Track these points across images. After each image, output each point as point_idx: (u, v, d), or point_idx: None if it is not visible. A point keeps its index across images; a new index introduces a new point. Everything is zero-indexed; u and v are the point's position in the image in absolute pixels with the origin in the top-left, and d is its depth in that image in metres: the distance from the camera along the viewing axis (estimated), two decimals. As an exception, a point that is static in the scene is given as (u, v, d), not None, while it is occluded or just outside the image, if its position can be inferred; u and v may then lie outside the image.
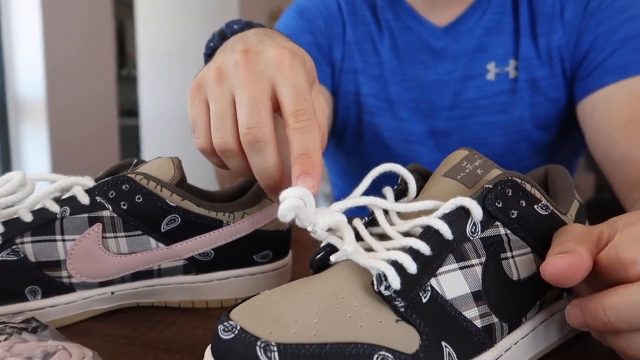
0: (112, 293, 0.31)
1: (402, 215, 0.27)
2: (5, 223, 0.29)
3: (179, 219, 0.31)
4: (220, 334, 0.20)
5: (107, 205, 0.30)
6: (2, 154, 1.56)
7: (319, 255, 0.26)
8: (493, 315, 0.24)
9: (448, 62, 0.65)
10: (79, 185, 0.30)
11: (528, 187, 0.26)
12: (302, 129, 0.27)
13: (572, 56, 0.60)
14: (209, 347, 0.21)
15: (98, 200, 0.30)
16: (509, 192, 0.26)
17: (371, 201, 0.26)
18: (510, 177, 0.26)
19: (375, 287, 0.22)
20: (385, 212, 0.27)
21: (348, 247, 0.24)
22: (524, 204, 0.26)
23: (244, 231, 0.33)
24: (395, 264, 0.22)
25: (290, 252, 0.38)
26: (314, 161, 0.26)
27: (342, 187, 0.78)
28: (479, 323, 0.23)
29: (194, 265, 0.33)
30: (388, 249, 0.24)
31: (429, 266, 0.23)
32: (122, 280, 0.31)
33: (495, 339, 0.24)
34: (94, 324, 0.31)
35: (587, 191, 3.43)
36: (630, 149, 0.52)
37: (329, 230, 0.26)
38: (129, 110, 4.75)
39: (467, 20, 0.64)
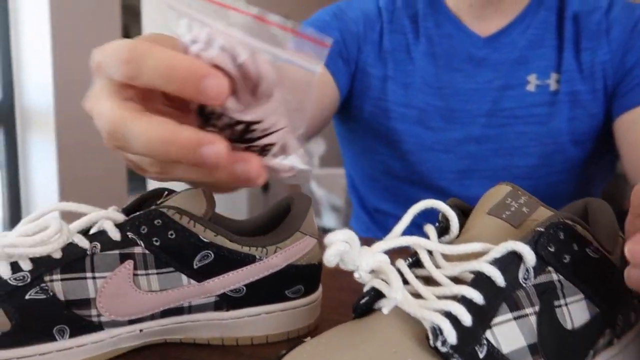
0: (141, 330, 0.30)
1: (448, 257, 0.26)
2: (33, 260, 0.28)
3: (212, 255, 0.30)
4: None
5: (139, 242, 0.30)
6: (9, 162, 1.55)
7: (363, 301, 0.25)
8: None
9: (488, 71, 0.65)
10: (110, 220, 0.30)
11: (579, 229, 0.26)
12: None
13: (615, 72, 0.61)
14: None
15: (130, 236, 0.30)
16: (561, 236, 0.25)
17: (415, 241, 0.26)
18: (562, 220, 0.25)
19: (432, 342, 0.21)
20: (429, 252, 0.26)
21: (397, 295, 0.23)
22: (576, 248, 0.25)
23: (277, 266, 0.32)
24: (450, 316, 0.21)
25: (320, 284, 0.37)
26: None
27: (362, 191, 0.78)
28: None
29: (225, 302, 0.32)
30: (438, 297, 0.23)
31: (483, 317, 0.22)
32: (152, 317, 0.31)
33: None
34: (121, 363, 0.30)
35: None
36: None
37: (372, 272, 0.25)
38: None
39: (510, 32, 0.65)
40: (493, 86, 0.65)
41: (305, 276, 0.34)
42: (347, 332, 0.23)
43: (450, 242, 0.27)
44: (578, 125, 0.63)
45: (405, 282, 0.24)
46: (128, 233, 0.30)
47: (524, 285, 0.23)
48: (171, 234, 0.30)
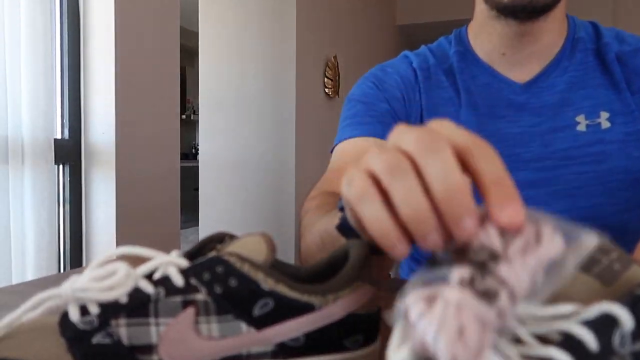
0: (200, 378, 0.30)
1: (534, 315, 0.24)
2: (101, 304, 0.28)
3: (272, 303, 0.29)
4: None
5: (201, 289, 0.29)
6: (73, 198, 1.64)
7: None
8: None
9: (531, 115, 0.64)
10: (174, 266, 0.29)
11: None
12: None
13: None
14: None
15: (192, 282, 0.29)
16: None
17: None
18: None
19: None
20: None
21: None
22: None
23: (336, 315, 0.31)
24: None
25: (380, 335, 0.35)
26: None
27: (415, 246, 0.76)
28: None
29: (283, 351, 0.30)
30: (523, 357, 0.21)
31: None
32: (210, 364, 0.30)
33: None
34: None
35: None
36: None
37: None
38: (187, 152, 4.95)
39: (547, 76, 0.64)
40: (540, 130, 0.64)
41: (364, 326, 0.32)
42: None
43: None
44: (639, 163, 0.61)
45: None
46: (191, 279, 0.29)
47: (619, 352, 0.21)
48: (233, 282, 0.29)
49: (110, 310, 0.28)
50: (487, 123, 0.66)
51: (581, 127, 0.63)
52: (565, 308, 0.22)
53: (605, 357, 0.21)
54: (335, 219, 0.40)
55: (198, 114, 2.86)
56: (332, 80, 2.94)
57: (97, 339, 0.28)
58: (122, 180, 1.65)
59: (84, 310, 0.28)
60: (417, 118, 0.69)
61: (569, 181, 0.63)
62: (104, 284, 0.28)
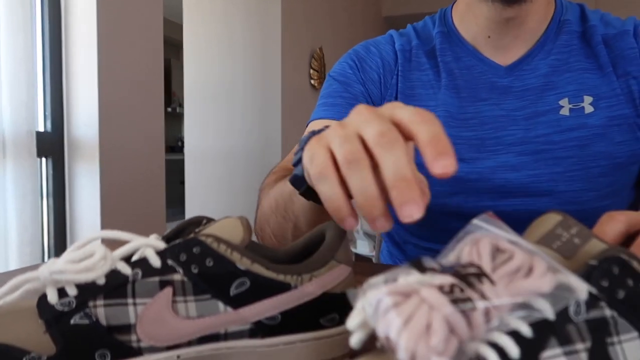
0: (178, 357, 0.30)
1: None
2: (79, 286, 0.29)
3: (248, 283, 0.30)
4: None
5: (178, 269, 0.30)
6: (57, 191, 1.62)
7: None
8: None
9: (514, 98, 0.64)
10: (151, 247, 0.30)
11: (635, 264, 0.24)
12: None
13: None
14: None
15: (169, 263, 0.30)
16: (615, 270, 0.24)
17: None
18: (616, 254, 0.24)
19: None
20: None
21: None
22: (631, 284, 0.24)
23: (311, 294, 0.32)
24: (496, 347, 0.20)
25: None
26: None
27: (393, 229, 0.77)
28: None
29: (261, 329, 0.31)
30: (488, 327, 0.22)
31: (531, 351, 0.21)
32: (189, 343, 0.30)
33: None
34: (158, 389, 0.30)
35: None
36: None
37: None
38: (172, 145, 4.90)
39: (531, 59, 0.64)
40: (523, 114, 0.64)
41: (339, 305, 0.33)
42: (386, 357, 0.22)
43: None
44: (621, 149, 0.61)
45: None
46: (168, 260, 0.30)
47: (574, 320, 0.22)
48: (209, 262, 0.30)
49: (88, 291, 0.29)
50: (468, 106, 0.66)
51: (564, 112, 0.62)
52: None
53: (562, 325, 0.22)
54: (287, 184, 0.44)
55: (183, 107, 2.84)
56: (317, 71, 2.94)
57: (76, 319, 0.28)
58: (106, 174, 1.64)
59: (61, 292, 0.29)
60: (391, 100, 0.69)
61: (551, 166, 0.63)
62: (81, 265, 0.28)
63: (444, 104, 0.66)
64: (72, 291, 0.29)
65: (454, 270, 0.22)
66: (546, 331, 0.22)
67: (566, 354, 0.21)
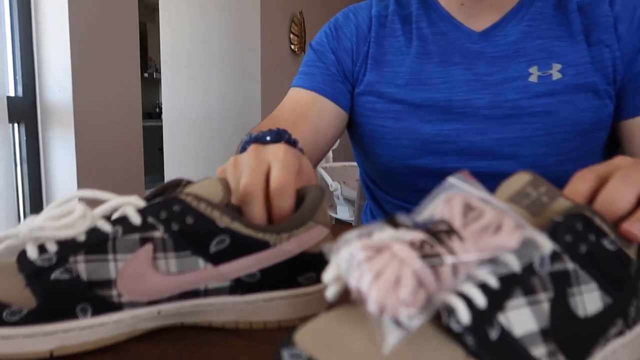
0: (159, 312, 0.31)
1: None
2: (59, 242, 0.29)
3: (228, 240, 0.31)
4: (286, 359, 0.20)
5: (158, 226, 0.30)
6: (31, 158, 1.58)
7: None
8: (560, 354, 0.23)
9: (486, 64, 0.65)
10: (131, 205, 0.30)
11: (597, 221, 0.26)
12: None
13: (624, 71, 0.60)
14: None
15: (150, 221, 0.30)
16: (578, 226, 0.25)
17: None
18: (580, 211, 0.25)
19: (444, 321, 0.21)
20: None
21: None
22: (593, 239, 0.25)
23: (290, 253, 0.33)
24: (463, 297, 0.21)
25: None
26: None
27: (373, 184, 0.79)
28: None
29: (240, 286, 0.32)
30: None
31: (497, 300, 0.22)
32: (170, 299, 0.31)
33: None
34: (140, 345, 0.31)
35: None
36: None
37: None
38: (150, 112, 4.79)
39: (504, 26, 0.65)
40: (493, 80, 0.65)
41: (317, 264, 0.34)
42: (359, 308, 0.23)
43: None
44: (588, 115, 0.62)
45: None
46: (148, 218, 0.30)
47: (539, 272, 0.23)
48: (189, 219, 0.30)
49: (68, 248, 0.29)
50: (438, 71, 0.67)
51: (533, 78, 0.63)
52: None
53: (527, 277, 0.23)
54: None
55: (160, 72, 2.77)
56: (297, 36, 2.89)
57: (56, 274, 0.29)
58: (82, 140, 1.61)
59: (41, 249, 0.29)
60: (362, 67, 0.71)
61: (517, 130, 0.65)
62: (61, 222, 0.28)
63: (412, 70, 0.67)
64: (52, 247, 0.29)
65: (425, 227, 0.23)
66: (511, 282, 0.22)
67: (530, 303, 0.23)
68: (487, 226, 0.23)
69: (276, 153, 0.39)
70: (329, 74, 0.72)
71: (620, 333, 0.27)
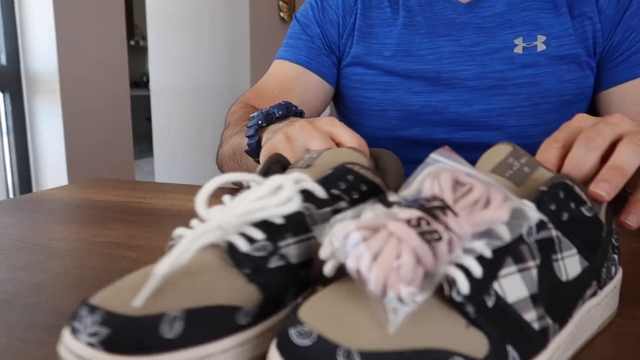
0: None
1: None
2: (265, 229, 0.26)
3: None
4: (293, 338, 0.19)
5: (343, 197, 0.30)
6: (17, 127, 1.56)
7: None
8: (548, 317, 0.24)
9: (472, 35, 0.65)
10: (307, 182, 0.29)
11: (577, 189, 0.27)
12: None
13: (604, 43, 0.61)
14: (274, 348, 0.20)
15: (334, 193, 0.30)
16: (561, 195, 0.26)
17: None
18: (563, 180, 0.26)
19: (446, 292, 0.21)
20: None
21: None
22: (573, 207, 0.26)
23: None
24: (462, 268, 0.22)
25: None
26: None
27: None
28: (536, 325, 0.23)
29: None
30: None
31: (491, 269, 0.23)
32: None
33: (549, 339, 0.24)
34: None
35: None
36: None
37: None
38: (137, 81, 4.69)
39: None
40: (479, 50, 0.65)
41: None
42: (355, 283, 0.23)
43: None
44: (571, 86, 0.63)
45: None
46: (332, 190, 0.30)
47: (526, 240, 0.24)
48: (363, 187, 0.31)
49: (274, 232, 0.27)
50: (425, 42, 0.67)
51: (518, 50, 0.64)
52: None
53: (516, 246, 0.24)
54: (244, 139, 0.51)
55: (147, 40, 2.71)
56: (287, 3, 2.83)
57: (274, 263, 0.26)
58: (68, 110, 1.58)
59: (248, 239, 0.26)
60: (348, 39, 0.71)
61: (502, 101, 0.66)
62: (274, 202, 0.26)
63: (399, 42, 0.68)
64: (259, 235, 0.26)
65: (419, 204, 0.23)
66: (503, 252, 0.23)
67: (520, 270, 0.24)
68: (477, 200, 0.23)
69: (331, 122, 0.42)
70: (314, 47, 0.71)
71: (594, 294, 0.29)
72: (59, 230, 0.51)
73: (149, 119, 2.74)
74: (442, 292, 0.22)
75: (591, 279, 0.28)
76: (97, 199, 0.66)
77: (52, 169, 1.62)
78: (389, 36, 0.69)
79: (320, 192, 0.29)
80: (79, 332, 0.22)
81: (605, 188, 0.28)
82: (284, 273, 0.26)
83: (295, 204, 0.27)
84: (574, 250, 0.27)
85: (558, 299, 0.25)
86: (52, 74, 1.54)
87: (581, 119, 0.34)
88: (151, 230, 0.52)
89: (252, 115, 0.50)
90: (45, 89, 1.57)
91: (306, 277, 0.28)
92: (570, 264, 0.26)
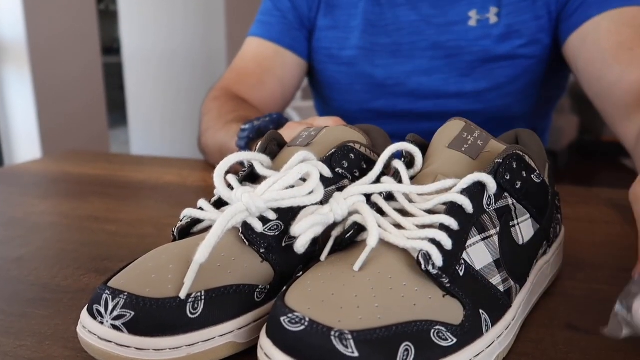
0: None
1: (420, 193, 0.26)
2: (276, 210, 0.27)
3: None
4: (285, 325, 0.19)
5: (347, 175, 0.30)
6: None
7: (347, 235, 0.25)
8: (510, 279, 0.25)
9: (429, 6, 0.66)
10: (316, 161, 0.29)
11: (527, 158, 0.27)
12: None
13: (557, 1, 0.62)
14: (265, 337, 0.20)
15: (339, 171, 0.30)
16: (514, 165, 0.26)
17: (392, 187, 0.26)
18: (515, 151, 0.26)
19: (423, 266, 0.22)
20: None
21: (386, 229, 0.24)
22: (525, 175, 0.27)
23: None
24: (434, 242, 0.22)
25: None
26: None
27: None
28: (501, 288, 0.24)
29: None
30: (418, 226, 0.24)
31: (459, 241, 0.23)
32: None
33: (512, 299, 0.25)
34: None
35: (571, 133, 3.51)
36: (624, 73, 0.53)
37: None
38: (108, 47, 4.51)
39: None
40: (435, 22, 0.66)
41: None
42: (340, 264, 0.23)
43: (416, 174, 0.28)
44: (523, 51, 0.65)
45: (382, 214, 0.25)
46: (336, 169, 0.30)
47: (487, 210, 0.25)
48: (363, 165, 0.31)
49: (285, 212, 0.27)
50: (387, 12, 0.68)
51: (472, 22, 0.66)
52: (447, 182, 0.25)
53: (478, 216, 0.24)
54: (233, 138, 0.53)
55: (117, 4, 2.60)
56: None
57: (286, 241, 0.27)
58: (39, 78, 1.53)
59: (262, 220, 0.26)
60: (317, 13, 0.71)
61: (459, 69, 0.67)
62: (302, 192, 0.26)
63: (364, 12, 0.68)
64: (272, 216, 0.26)
65: None
66: (468, 223, 0.24)
67: (483, 239, 0.24)
68: None
69: (313, 119, 0.46)
70: (286, 22, 0.71)
71: (544, 253, 0.30)
72: (37, 204, 0.49)
73: (121, 87, 2.66)
74: (417, 266, 0.22)
75: (542, 239, 0.28)
76: (73, 172, 0.64)
77: (24, 141, 1.57)
78: (354, 7, 0.69)
79: (326, 171, 0.29)
80: (101, 316, 0.22)
81: None
82: (293, 251, 0.26)
83: (319, 195, 0.27)
84: (527, 216, 0.27)
85: (517, 262, 0.26)
86: (20, 42, 1.48)
87: None
88: (129, 203, 0.50)
89: (243, 127, 0.51)
90: (13, 57, 1.50)
91: (311, 254, 0.28)
92: (524, 228, 0.27)
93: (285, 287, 0.22)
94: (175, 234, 0.28)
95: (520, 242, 0.27)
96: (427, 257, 0.22)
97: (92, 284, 0.32)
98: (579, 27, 0.60)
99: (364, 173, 0.31)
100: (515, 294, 0.26)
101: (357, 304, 0.20)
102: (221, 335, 0.23)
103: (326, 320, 0.19)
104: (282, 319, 0.19)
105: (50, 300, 0.30)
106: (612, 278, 0.34)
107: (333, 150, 0.30)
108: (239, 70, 0.71)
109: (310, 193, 0.27)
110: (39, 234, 0.41)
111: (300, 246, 0.23)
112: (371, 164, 0.32)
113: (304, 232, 0.24)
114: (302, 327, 0.19)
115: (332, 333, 0.18)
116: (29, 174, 0.62)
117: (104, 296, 0.22)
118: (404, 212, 0.25)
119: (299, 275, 0.23)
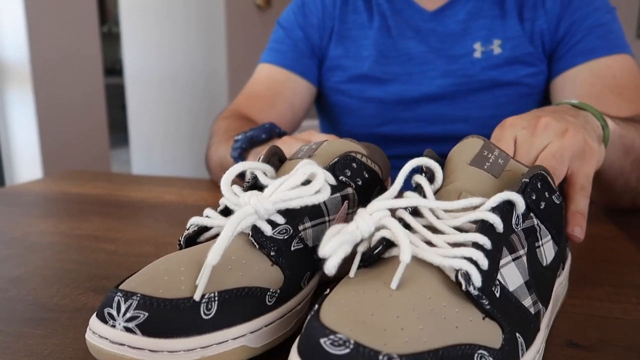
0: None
1: (447, 210, 0.25)
2: (285, 214, 0.26)
3: (381, 190, 0.32)
4: (327, 347, 0.17)
5: (350, 183, 0.30)
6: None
7: (376, 251, 0.23)
8: (539, 302, 0.23)
9: (436, 41, 0.68)
10: (319, 168, 0.28)
11: (549, 178, 0.26)
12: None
13: (551, 39, 0.66)
14: (298, 357, 0.18)
15: (342, 179, 0.30)
16: (539, 185, 0.25)
17: (419, 202, 0.25)
18: (540, 172, 0.25)
19: (464, 287, 0.20)
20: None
21: (418, 245, 0.22)
22: (547, 195, 0.26)
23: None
24: (471, 261, 0.21)
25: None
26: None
27: None
28: (532, 310, 0.23)
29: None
30: (450, 244, 0.23)
31: (494, 261, 0.22)
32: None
33: (541, 322, 0.24)
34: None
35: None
36: None
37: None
38: (110, 68, 4.56)
39: (453, 6, 0.69)
40: (443, 54, 0.69)
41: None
42: (371, 282, 0.21)
43: (436, 190, 0.27)
44: (527, 80, 0.68)
45: (409, 229, 0.24)
46: (340, 177, 0.29)
47: (515, 230, 0.24)
48: (365, 174, 0.31)
49: (294, 216, 0.26)
50: (398, 43, 0.70)
51: (477, 54, 0.69)
52: (474, 200, 0.24)
53: (507, 235, 0.23)
54: (230, 154, 0.53)
55: (120, 27, 2.63)
56: (263, -10, 2.78)
57: (294, 245, 0.26)
58: (41, 99, 1.53)
59: (271, 223, 0.26)
60: (328, 43, 0.73)
61: (466, 96, 0.70)
62: (309, 192, 0.26)
63: (375, 43, 0.70)
64: (280, 219, 0.26)
65: None
66: (500, 242, 0.23)
67: (514, 260, 0.23)
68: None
69: (309, 133, 0.46)
70: (298, 50, 0.72)
71: (559, 275, 0.29)
72: (36, 224, 0.47)
73: (123, 107, 2.67)
74: (454, 285, 0.21)
75: (560, 261, 0.28)
76: (73, 192, 0.62)
77: (25, 161, 1.56)
78: (365, 38, 0.71)
79: (330, 178, 0.29)
80: (113, 319, 0.21)
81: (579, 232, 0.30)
82: (302, 256, 0.26)
83: (326, 194, 0.26)
84: (549, 237, 0.26)
85: (542, 284, 0.25)
86: (23, 63, 1.48)
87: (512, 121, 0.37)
88: (129, 222, 0.48)
89: (236, 138, 0.51)
90: (16, 78, 1.51)
91: (318, 261, 0.27)
92: (547, 249, 0.26)
93: (316, 305, 0.20)
94: (181, 242, 0.27)
95: (544, 264, 0.26)
96: (467, 276, 0.20)
97: (90, 303, 0.31)
98: (563, 72, 0.65)
99: (366, 182, 0.31)
100: (542, 316, 0.24)
101: (401, 326, 0.18)
102: (234, 339, 0.22)
103: (372, 343, 0.17)
104: (322, 340, 0.18)
105: (48, 320, 0.28)
106: (612, 295, 0.33)
107: (336, 159, 0.30)
108: (250, 93, 0.73)
109: (317, 192, 0.26)
110: (38, 254, 0.39)
111: (332, 267, 0.22)
112: (372, 174, 0.31)
113: (334, 253, 0.22)
114: (348, 351, 0.17)
115: (380, 357, 0.17)
116: (28, 193, 0.60)
117: (116, 298, 0.21)
118: (431, 229, 0.24)
119: (326, 293, 0.21)
